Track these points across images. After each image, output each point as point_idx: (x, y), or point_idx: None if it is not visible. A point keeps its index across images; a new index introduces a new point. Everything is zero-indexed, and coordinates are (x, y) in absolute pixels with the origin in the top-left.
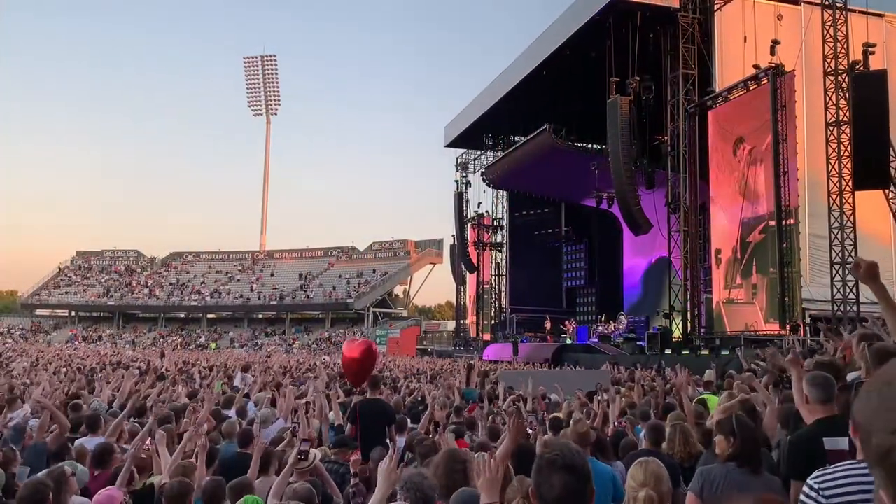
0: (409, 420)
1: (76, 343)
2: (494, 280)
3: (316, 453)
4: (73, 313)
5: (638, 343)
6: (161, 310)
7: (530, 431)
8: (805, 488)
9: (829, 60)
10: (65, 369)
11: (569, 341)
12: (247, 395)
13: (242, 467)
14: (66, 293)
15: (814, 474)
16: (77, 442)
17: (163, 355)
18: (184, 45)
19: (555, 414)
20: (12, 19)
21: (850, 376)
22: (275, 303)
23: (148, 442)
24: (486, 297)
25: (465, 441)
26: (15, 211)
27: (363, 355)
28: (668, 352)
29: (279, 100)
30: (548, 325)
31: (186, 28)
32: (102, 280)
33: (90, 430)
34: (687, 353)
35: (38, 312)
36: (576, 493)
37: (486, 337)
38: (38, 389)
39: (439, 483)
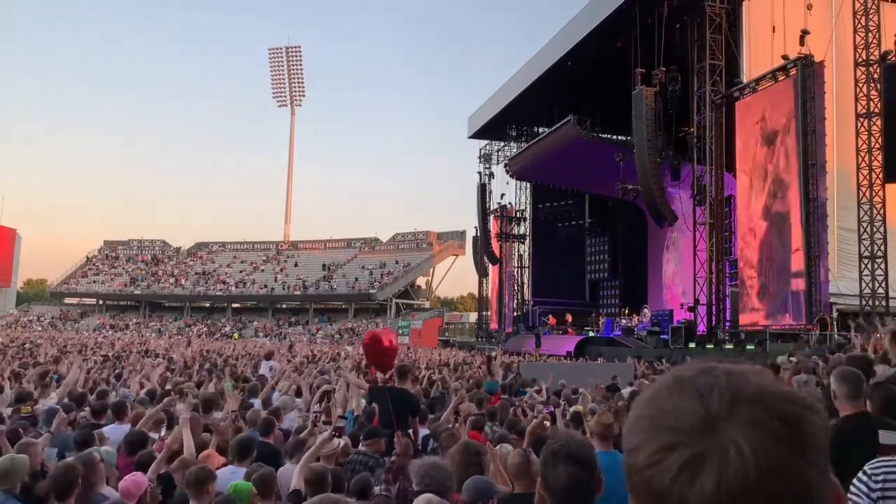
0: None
1: (104, 331)
2: (517, 272)
3: (341, 442)
4: (100, 302)
5: (661, 336)
6: (186, 299)
7: (547, 423)
8: (860, 473)
9: (859, 51)
10: (97, 358)
11: (592, 334)
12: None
13: (265, 456)
14: (94, 282)
15: (871, 462)
16: (102, 429)
17: (189, 344)
18: (208, 36)
19: (575, 408)
20: (38, 7)
21: (881, 370)
22: (299, 293)
23: (164, 431)
24: (508, 289)
25: (478, 434)
26: (44, 201)
27: (366, 346)
28: (692, 346)
29: (303, 91)
30: (568, 318)
31: (211, 18)
32: (129, 269)
33: (116, 418)
34: (711, 346)
35: (67, 301)
36: (581, 483)
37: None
38: (71, 377)
39: (454, 473)
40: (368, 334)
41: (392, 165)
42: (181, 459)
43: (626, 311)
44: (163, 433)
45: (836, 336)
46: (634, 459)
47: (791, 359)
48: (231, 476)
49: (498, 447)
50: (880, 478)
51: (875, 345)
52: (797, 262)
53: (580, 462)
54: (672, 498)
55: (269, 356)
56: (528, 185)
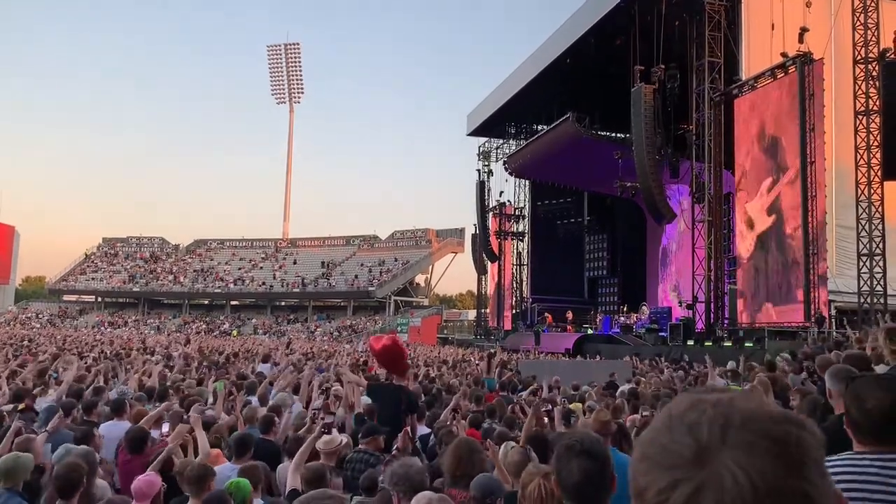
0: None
1: (103, 328)
2: (516, 270)
3: (343, 438)
4: (99, 299)
5: (660, 334)
6: (185, 296)
7: (548, 421)
8: None
9: (858, 48)
10: (95, 354)
11: (590, 331)
12: (270, 383)
13: (265, 453)
14: (93, 279)
15: None
16: (99, 427)
17: (188, 341)
18: (207, 33)
19: (570, 405)
20: (38, 7)
21: (879, 370)
22: (297, 290)
23: (166, 428)
24: (507, 286)
25: (475, 431)
26: (43, 198)
27: (387, 349)
28: (690, 343)
29: (302, 88)
30: (569, 316)
31: (210, 16)
32: (128, 266)
33: (115, 415)
34: (710, 344)
35: (66, 298)
36: (595, 478)
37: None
38: (71, 377)
39: (453, 470)
40: (383, 349)
41: (391, 163)
42: (184, 459)
43: (625, 309)
44: (164, 429)
45: (834, 333)
46: (643, 502)
47: (784, 355)
48: (230, 473)
49: (502, 445)
50: None
51: (872, 344)
52: (796, 260)
53: (594, 457)
54: None
55: (265, 359)
56: (527, 182)
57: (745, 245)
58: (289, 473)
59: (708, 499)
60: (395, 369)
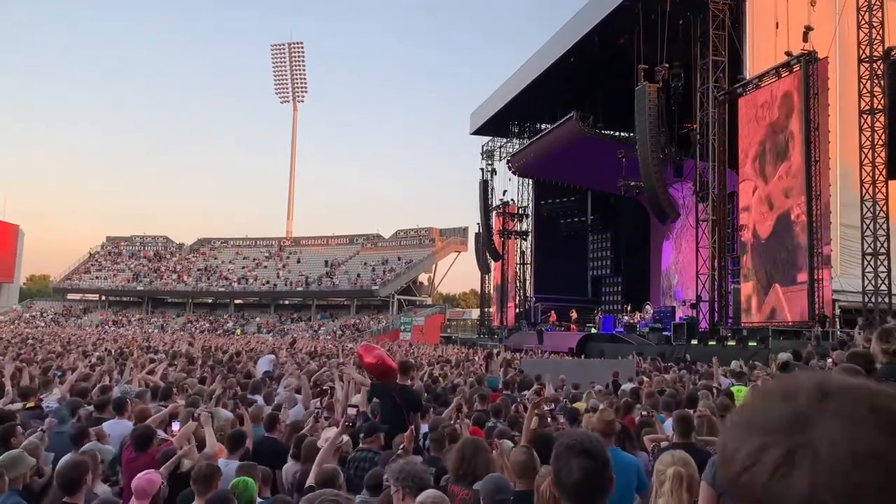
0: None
1: (107, 327)
2: (519, 269)
3: (345, 437)
4: (103, 298)
5: (664, 333)
6: (189, 295)
7: (550, 420)
8: None
9: (863, 47)
10: (100, 353)
11: (594, 331)
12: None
13: (270, 450)
14: (97, 278)
15: None
16: (102, 425)
17: (191, 344)
18: (211, 32)
19: (573, 405)
20: (39, 5)
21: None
22: (301, 289)
23: (175, 427)
24: (510, 285)
25: (479, 430)
26: (47, 197)
27: (374, 365)
28: (694, 342)
29: (306, 87)
30: (573, 315)
31: (214, 15)
32: (132, 265)
33: (117, 413)
34: (713, 343)
35: (70, 297)
36: (594, 478)
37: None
38: (75, 375)
39: (456, 468)
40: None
41: (394, 162)
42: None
43: (629, 308)
44: (175, 427)
45: (838, 333)
46: (730, 468)
47: (784, 354)
48: (225, 468)
49: (500, 442)
50: None
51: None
52: (800, 259)
53: (593, 457)
54: (772, 498)
55: (271, 352)
56: (531, 181)
57: (765, 225)
58: (312, 471)
59: (803, 464)
60: (384, 379)
